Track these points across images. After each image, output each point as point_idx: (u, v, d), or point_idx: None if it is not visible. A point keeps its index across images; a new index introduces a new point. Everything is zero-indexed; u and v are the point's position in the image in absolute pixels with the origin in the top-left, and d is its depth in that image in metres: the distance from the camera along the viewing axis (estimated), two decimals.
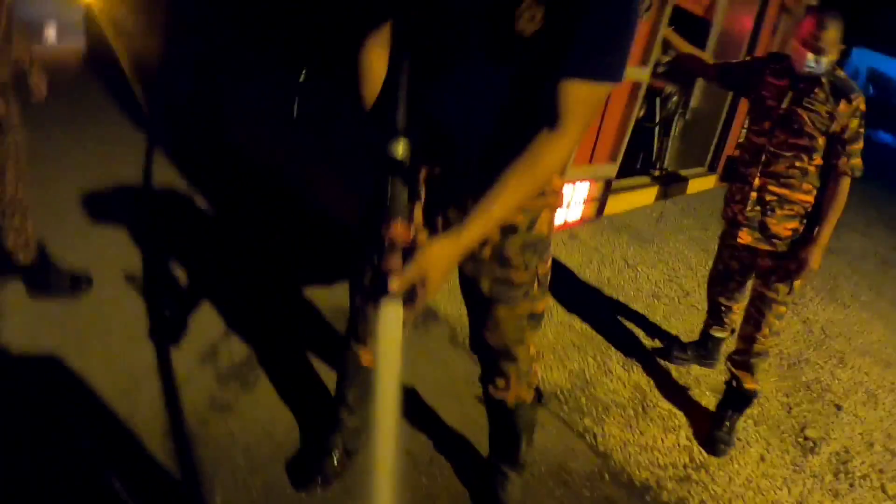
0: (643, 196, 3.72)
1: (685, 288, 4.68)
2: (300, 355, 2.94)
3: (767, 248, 2.96)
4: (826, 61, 2.70)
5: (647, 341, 3.82)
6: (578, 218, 3.16)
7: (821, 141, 2.78)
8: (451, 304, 3.44)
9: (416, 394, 2.83)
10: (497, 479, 2.30)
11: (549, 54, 1.40)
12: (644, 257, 5.10)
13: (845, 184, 2.77)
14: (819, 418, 3.45)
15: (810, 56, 2.70)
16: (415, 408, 2.76)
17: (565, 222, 3.07)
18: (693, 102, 4.32)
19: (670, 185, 3.91)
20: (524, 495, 2.37)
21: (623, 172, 3.47)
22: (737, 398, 3.10)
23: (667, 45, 3.39)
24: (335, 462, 2.27)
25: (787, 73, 2.85)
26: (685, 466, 2.86)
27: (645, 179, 3.80)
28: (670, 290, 4.61)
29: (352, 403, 2.23)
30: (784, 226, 2.90)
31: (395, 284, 1.31)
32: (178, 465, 2.25)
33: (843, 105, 2.70)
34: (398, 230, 1.36)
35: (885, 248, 7.39)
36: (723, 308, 3.42)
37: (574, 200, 3.05)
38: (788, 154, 2.85)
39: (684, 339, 3.84)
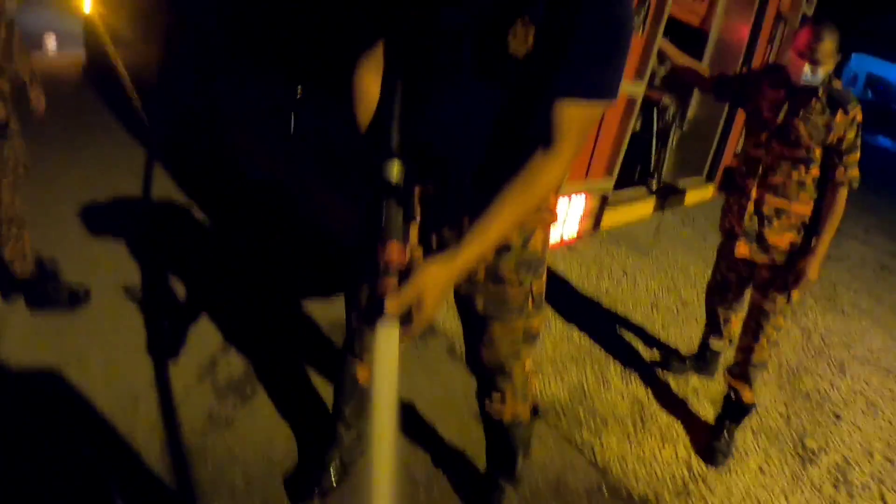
0: (641, 209, 3.72)
1: (684, 298, 4.68)
2: (298, 369, 2.95)
3: (765, 260, 2.96)
4: (822, 72, 2.70)
5: (646, 353, 3.82)
6: (575, 234, 3.15)
7: (818, 152, 2.78)
8: (449, 317, 3.44)
9: (414, 408, 2.83)
10: (495, 494, 2.31)
11: (541, 74, 1.40)
12: (643, 268, 5.09)
13: (843, 195, 2.77)
14: (818, 428, 3.45)
15: (807, 68, 2.70)
16: (413, 422, 2.76)
17: (562, 239, 3.07)
18: (690, 113, 4.33)
19: (668, 196, 3.91)
20: None
21: (620, 183, 3.47)
22: (735, 410, 3.10)
23: (663, 57, 3.40)
24: (333, 476, 2.28)
25: (783, 84, 2.85)
26: (683, 479, 2.85)
27: (642, 191, 3.80)
28: (669, 301, 4.61)
29: (349, 418, 2.24)
30: (782, 237, 2.91)
31: (391, 307, 1.32)
32: (176, 480, 2.26)
33: (839, 116, 2.70)
34: (393, 252, 1.36)
35: (885, 254, 7.37)
36: (721, 319, 3.43)
37: (570, 215, 3.06)
38: (785, 166, 2.86)
39: (683, 349, 3.85)
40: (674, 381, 3.54)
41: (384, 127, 1.48)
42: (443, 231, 1.72)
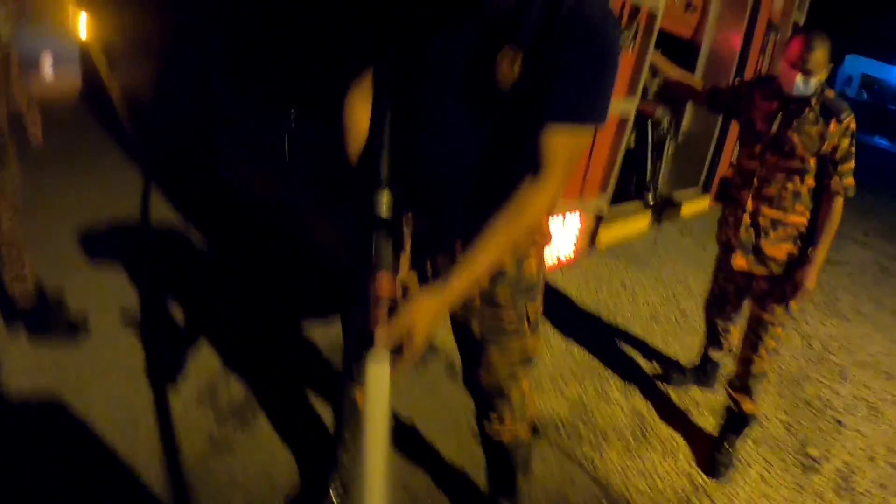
0: (637, 224, 3.72)
1: (683, 309, 4.68)
2: (298, 393, 2.96)
3: (763, 271, 2.97)
4: (815, 82, 2.70)
5: (646, 365, 3.82)
6: (571, 254, 3.15)
7: (812, 162, 2.78)
8: (448, 336, 3.43)
9: (415, 427, 2.84)
10: None
11: (529, 100, 1.41)
12: (642, 280, 5.10)
13: (838, 204, 2.77)
14: (820, 435, 3.45)
15: (799, 78, 2.70)
16: (413, 442, 2.77)
17: (558, 260, 3.07)
18: (685, 124, 4.34)
19: (665, 209, 3.92)
20: None
21: (617, 198, 3.48)
22: (736, 421, 3.10)
23: (655, 70, 3.41)
24: (334, 500, 2.29)
25: (776, 95, 2.86)
26: (685, 491, 2.86)
27: (638, 206, 3.81)
28: (668, 312, 4.62)
29: (349, 442, 2.25)
30: (778, 248, 2.91)
31: (381, 340, 1.33)
32: None
33: (833, 125, 2.69)
34: (383, 284, 1.37)
35: (885, 257, 7.37)
36: (720, 330, 3.43)
37: (566, 235, 3.06)
38: (780, 177, 2.86)
39: (683, 361, 3.86)
40: (674, 394, 3.55)
41: (373, 158, 1.50)
42: (437, 257, 1.73)
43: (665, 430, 3.23)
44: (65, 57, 8.65)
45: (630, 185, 3.96)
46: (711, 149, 4.31)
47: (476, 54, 1.44)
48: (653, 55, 3.19)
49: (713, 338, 3.48)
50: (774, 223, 2.90)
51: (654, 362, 3.87)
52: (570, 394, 3.35)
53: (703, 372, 3.60)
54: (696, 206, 4.25)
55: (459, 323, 1.86)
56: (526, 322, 1.82)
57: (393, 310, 1.37)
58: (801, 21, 4.61)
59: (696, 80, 3.52)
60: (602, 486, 2.77)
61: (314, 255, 3.87)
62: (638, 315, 4.48)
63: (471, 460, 2.62)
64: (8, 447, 2.39)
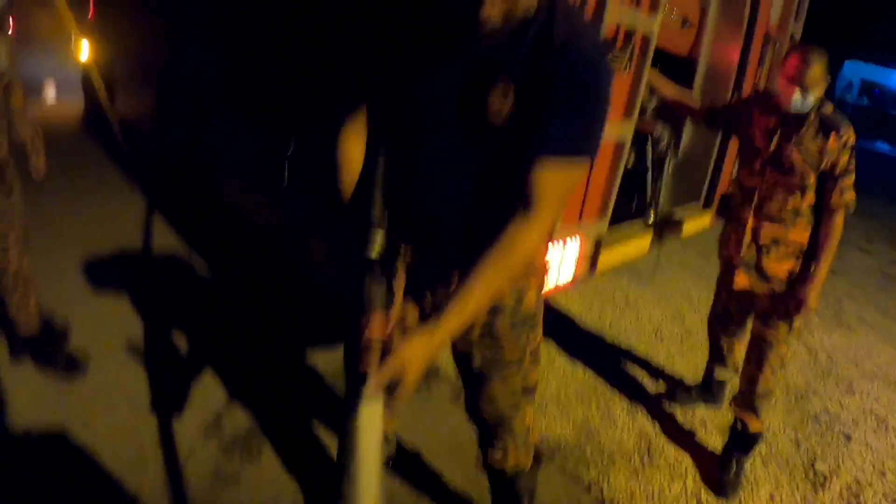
0: (637, 244, 3.70)
1: (688, 326, 4.67)
2: (303, 422, 2.96)
3: (765, 289, 2.96)
4: (813, 98, 2.70)
5: (651, 385, 3.81)
6: (570, 279, 3.15)
7: (812, 179, 2.77)
8: (452, 361, 3.44)
9: (420, 455, 2.83)
10: None
11: (522, 135, 1.41)
12: (645, 296, 5.08)
13: (839, 219, 2.75)
14: (829, 451, 3.43)
15: (797, 94, 2.69)
16: (418, 469, 2.77)
17: (556, 286, 3.07)
18: (684, 140, 4.33)
19: (666, 228, 3.90)
20: None
21: (617, 217, 3.48)
22: (743, 440, 3.08)
23: (653, 89, 3.42)
24: None
25: (774, 111, 2.85)
26: None
27: (639, 226, 3.80)
28: (673, 329, 4.60)
29: (345, 481, 2.23)
30: (780, 266, 2.90)
31: (373, 383, 1.33)
32: None
33: (832, 140, 2.68)
34: (375, 327, 1.38)
35: (888, 263, 7.37)
36: (724, 348, 3.41)
37: (565, 260, 3.06)
38: (780, 194, 2.86)
39: (689, 378, 3.85)
40: (680, 413, 3.53)
41: (367, 197, 1.50)
42: (435, 290, 1.73)
43: (672, 451, 3.21)
44: (67, 82, 8.74)
45: (631, 204, 3.96)
46: (712, 165, 4.32)
47: (468, 89, 1.44)
48: (650, 74, 3.19)
49: (718, 356, 3.47)
50: (776, 240, 2.90)
51: (660, 381, 3.86)
52: (576, 416, 3.34)
53: (709, 390, 3.58)
54: (697, 223, 4.24)
55: (460, 354, 1.86)
56: (526, 353, 1.83)
57: (386, 351, 1.38)
58: (799, 32, 4.63)
59: (694, 97, 3.52)
60: None
61: (315, 280, 3.86)
62: (642, 333, 4.47)
63: (477, 488, 2.60)
64: (14, 481, 2.39)
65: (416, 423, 2.97)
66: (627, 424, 3.36)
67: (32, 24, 10.52)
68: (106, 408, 2.83)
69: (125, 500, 2.38)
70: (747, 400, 3.06)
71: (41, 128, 2.95)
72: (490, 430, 2.00)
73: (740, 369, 3.22)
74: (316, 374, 3.34)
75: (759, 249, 2.94)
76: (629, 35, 2.92)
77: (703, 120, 3.35)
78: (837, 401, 3.96)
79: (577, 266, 3.16)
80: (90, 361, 3.08)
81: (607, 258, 3.35)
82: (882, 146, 22.08)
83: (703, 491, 2.98)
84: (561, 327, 4.29)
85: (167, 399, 2.95)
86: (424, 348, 1.40)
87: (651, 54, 3.07)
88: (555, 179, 1.41)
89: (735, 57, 4.21)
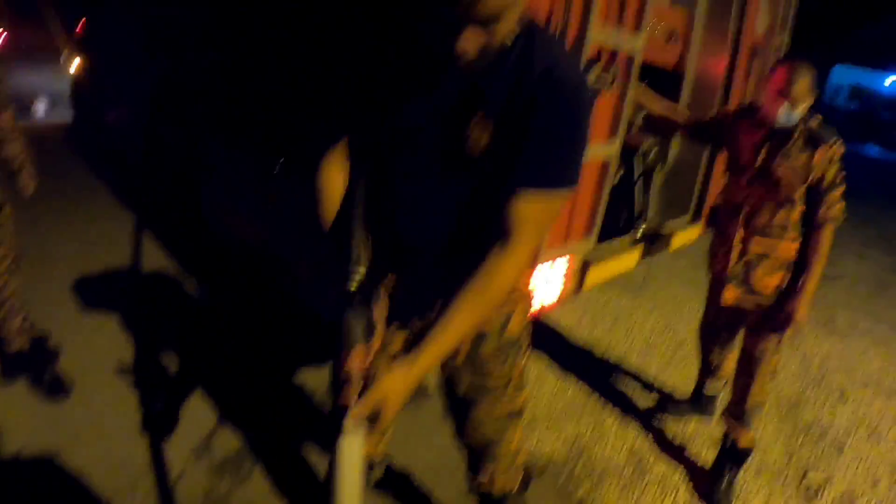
0: (625, 261, 3.70)
1: (679, 337, 4.66)
2: (293, 442, 2.95)
3: (754, 303, 2.96)
4: (800, 111, 2.70)
5: (643, 399, 3.80)
6: (556, 299, 3.15)
7: (800, 192, 2.77)
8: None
9: (409, 475, 2.83)
10: None
11: (499, 170, 1.42)
12: (636, 308, 5.08)
13: (827, 232, 2.75)
14: (821, 460, 3.43)
15: (783, 108, 2.69)
16: (407, 489, 2.76)
17: (542, 306, 3.06)
18: (672, 153, 4.33)
19: (654, 242, 3.90)
20: None
21: (605, 233, 3.48)
22: (734, 453, 3.08)
23: (640, 104, 3.42)
24: None
25: (760, 125, 2.85)
26: None
27: (626, 243, 3.80)
28: (664, 341, 4.60)
29: None
30: (768, 279, 2.90)
31: (353, 417, 1.33)
32: None
33: (819, 154, 2.68)
34: (355, 361, 1.38)
35: (882, 269, 7.37)
36: (714, 361, 3.41)
37: (550, 280, 3.05)
38: (768, 208, 2.85)
39: (680, 391, 3.84)
40: (672, 427, 3.52)
41: (348, 229, 1.50)
42: (419, 317, 1.73)
43: (663, 466, 3.21)
44: (57, 98, 8.75)
45: (619, 218, 3.96)
46: (700, 178, 4.32)
47: (447, 120, 1.45)
48: (636, 89, 3.20)
49: (708, 369, 3.47)
50: (764, 254, 2.89)
51: (651, 394, 3.85)
52: (567, 432, 3.34)
53: (700, 403, 3.58)
54: (686, 236, 4.24)
55: (445, 379, 1.86)
56: (512, 378, 1.83)
57: (366, 383, 1.38)
58: (786, 43, 4.64)
59: (681, 111, 3.52)
60: None
61: (301, 300, 3.86)
62: (633, 346, 4.46)
63: None
64: None
65: (405, 442, 2.96)
66: (618, 439, 3.36)
67: (22, 40, 10.52)
68: (96, 429, 2.83)
69: None
70: (738, 413, 3.06)
71: (31, 144, 2.95)
72: (477, 454, 1.99)
73: (730, 382, 3.22)
74: (305, 394, 3.33)
75: (747, 263, 2.94)
76: (613, 54, 2.93)
77: (689, 134, 3.36)
78: (830, 410, 3.96)
79: (564, 285, 3.15)
80: (80, 383, 3.08)
81: (595, 275, 3.34)
82: (872, 150, 22.14)
83: None
84: (551, 341, 4.28)
85: (157, 420, 2.95)
86: (404, 381, 1.40)
87: (636, 72, 3.07)
88: (534, 211, 1.42)
89: (722, 69, 4.22)
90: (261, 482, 2.70)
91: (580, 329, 4.60)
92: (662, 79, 3.90)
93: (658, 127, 3.60)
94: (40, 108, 9.02)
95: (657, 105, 3.40)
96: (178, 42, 4.78)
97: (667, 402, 3.68)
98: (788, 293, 2.85)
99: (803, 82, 2.66)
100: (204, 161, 4.49)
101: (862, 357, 4.82)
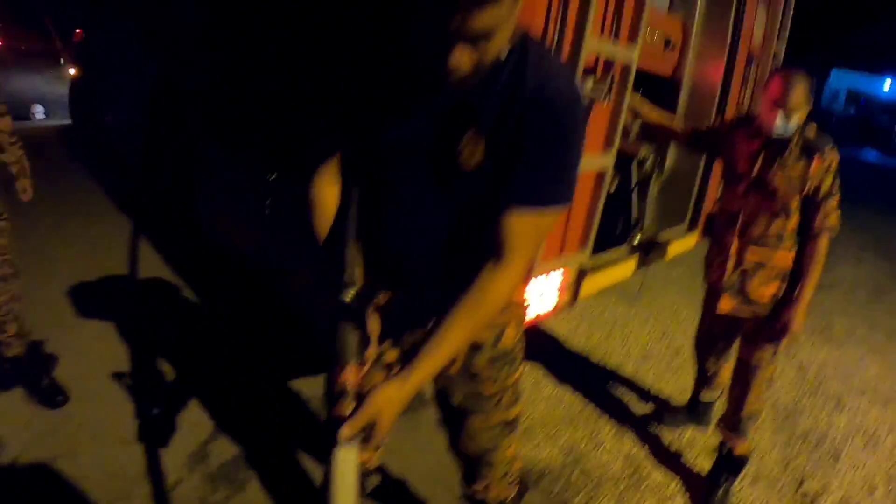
0: (621, 270, 3.69)
1: (676, 345, 4.66)
2: (289, 451, 2.94)
3: (749, 313, 2.96)
4: (796, 121, 2.70)
5: (639, 407, 3.80)
6: (551, 309, 3.14)
7: (796, 202, 2.77)
8: None
9: (405, 482, 2.83)
10: None
11: (492, 185, 1.42)
12: (633, 316, 5.08)
13: (823, 243, 2.76)
14: (818, 469, 3.43)
15: (779, 118, 2.69)
16: (403, 497, 2.76)
17: (537, 316, 3.06)
18: (669, 161, 4.34)
19: (650, 251, 3.90)
20: None
21: (602, 238, 3.47)
22: (730, 462, 3.08)
23: (637, 112, 3.42)
24: None
25: (756, 135, 2.85)
26: None
27: (621, 252, 3.80)
28: (661, 349, 4.60)
29: None
30: (764, 290, 2.90)
31: (347, 431, 1.33)
32: None
33: (815, 164, 2.69)
34: (349, 375, 1.38)
35: (879, 274, 7.40)
36: (711, 370, 3.41)
37: (546, 291, 3.05)
38: (764, 217, 2.85)
39: (676, 399, 3.84)
40: (668, 435, 3.52)
41: (341, 244, 1.50)
42: (413, 330, 1.73)
43: (660, 475, 3.20)
44: (55, 102, 8.75)
45: (615, 226, 3.95)
46: (697, 186, 4.32)
47: (439, 136, 1.44)
48: (632, 98, 3.20)
49: (704, 378, 3.47)
50: (759, 265, 2.89)
51: (647, 403, 3.85)
52: (563, 442, 3.33)
53: (696, 411, 3.58)
54: (682, 244, 4.24)
55: (440, 390, 1.86)
56: (506, 389, 1.82)
57: (360, 397, 1.38)
58: (782, 51, 4.65)
59: (677, 120, 3.53)
60: None
61: (296, 307, 3.86)
62: (629, 354, 4.46)
63: None
64: None
65: (402, 450, 2.94)
66: (614, 448, 3.35)
67: (20, 44, 10.51)
68: (92, 437, 2.83)
69: None
70: (733, 422, 3.06)
71: (29, 149, 2.95)
72: (471, 465, 1.99)
73: (727, 391, 3.22)
74: (301, 401, 3.32)
75: (743, 273, 2.94)
76: (609, 64, 2.93)
77: (686, 143, 3.36)
78: (826, 418, 3.96)
79: (559, 296, 3.15)
80: (77, 390, 3.08)
81: (591, 285, 3.33)
82: (870, 154, 22.21)
83: None
84: (547, 350, 4.28)
85: (154, 428, 2.95)
86: (397, 396, 1.40)
87: (631, 82, 3.07)
88: (528, 228, 1.42)
89: (719, 77, 4.22)
90: (256, 490, 2.69)
91: (577, 337, 4.59)
92: (659, 87, 3.91)
93: (654, 135, 3.60)
94: (38, 111, 9.02)
95: (653, 114, 3.40)
96: (177, 45, 4.79)
97: (663, 410, 3.68)
98: (784, 303, 2.85)
99: (799, 92, 2.66)
100: (201, 164, 4.50)
101: (859, 364, 4.83)
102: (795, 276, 2.85)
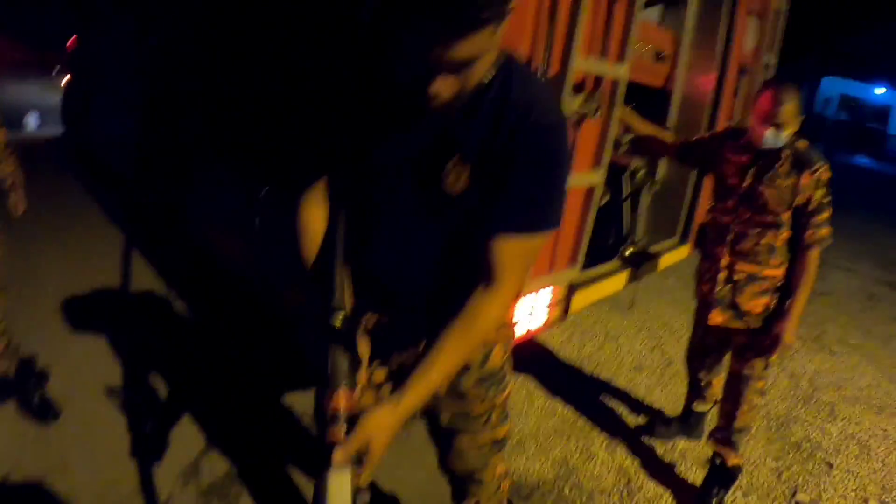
0: (613, 283, 3.70)
1: (668, 356, 4.66)
2: (280, 467, 2.94)
3: (741, 326, 2.96)
4: (785, 135, 2.70)
5: (631, 419, 3.79)
6: (541, 325, 3.14)
7: (786, 216, 2.78)
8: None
9: (397, 499, 2.83)
10: None
11: (478, 210, 1.42)
12: (626, 327, 5.08)
13: (813, 256, 2.76)
14: (811, 479, 3.43)
15: (769, 132, 2.70)
16: None
17: (528, 331, 3.05)
18: (660, 173, 4.35)
19: (642, 264, 3.90)
20: None
21: (594, 250, 3.48)
22: (722, 474, 3.09)
23: (627, 127, 3.43)
24: None
25: (747, 149, 2.86)
26: None
27: (613, 266, 3.80)
28: (653, 360, 4.59)
29: None
30: (755, 302, 2.91)
31: (339, 456, 1.33)
32: None
33: (805, 177, 2.69)
34: (340, 400, 1.38)
35: (871, 282, 7.40)
36: (703, 382, 3.41)
37: (535, 309, 3.05)
38: (754, 231, 2.86)
39: (669, 409, 3.84)
40: (660, 447, 3.51)
41: (329, 273, 1.50)
42: (402, 356, 1.73)
43: (652, 488, 3.20)
44: (48, 112, 8.75)
45: (607, 240, 3.96)
46: (688, 197, 4.32)
47: (424, 162, 1.44)
48: (622, 112, 3.20)
49: (696, 389, 3.47)
50: (750, 278, 2.90)
51: (639, 415, 3.84)
52: (555, 454, 3.33)
53: (688, 423, 3.57)
54: (674, 256, 4.24)
55: (428, 410, 1.86)
56: (494, 408, 1.83)
57: (352, 420, 1.38)
58: (774, 62, 4.67)
59: (668, 133, 3.54)
60: None
61: (289, 328, 3.86)
62: (622, 365, 4.46)
63: None
64: None
65: (393, 465, 2.94)
66: (607, 460, 3.35)
67: (12, 54, 10.53)
68: (84, 453, 2.82)
69: None
70: (725, 435, 3.07)
71: (21, 160, 2.95)
72: (460, 483, 2.00)
73: (718, 403, 3.23)
74: (293, 417, 3.32)
75: (734, 287, 2.94)
76: (598, 79, 2.94)
77: (676, 156, 3.36)
78: (819, 427, 3.96)
79: (549, 312, 3.15)
80: (68, 406, 3.07)
81: (582, 298, 3.34)
82: (862, 160, 22.30)
83: None
84: (539, 362, 4.27)
85: (145, 444, 2.94)
86: (390, 420, 1.40)
87: (620, 100, 3.07)
88: (517, 252, 1.43)
89: (710, 88, 4.24)
90: None
91: (569, 348, 4.59)
92: (651, 98, 3.92)
93: (645, 148, 3.61)
94: (31, 121, 9.02)
95: (644, 128, 3.41)
96: (170, 58, 4.80)
97: (655, 422, 3.67)
98: (776, 316, 2.86)
99: (789, 106, 2.67)
100: (194, 177, 4.50)
101: (852, 373, 4.83)
102: (787, 289, 2.85)
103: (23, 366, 3.05)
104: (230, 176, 4.01)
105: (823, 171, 2.71)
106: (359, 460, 1.38)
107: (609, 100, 3.01)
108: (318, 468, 1.35)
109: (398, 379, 1.52)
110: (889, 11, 25.18)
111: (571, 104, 2.78)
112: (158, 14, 5.02)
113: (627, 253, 3.87)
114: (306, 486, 2.82)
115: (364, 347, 1.70)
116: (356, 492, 1.40)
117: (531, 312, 3.00)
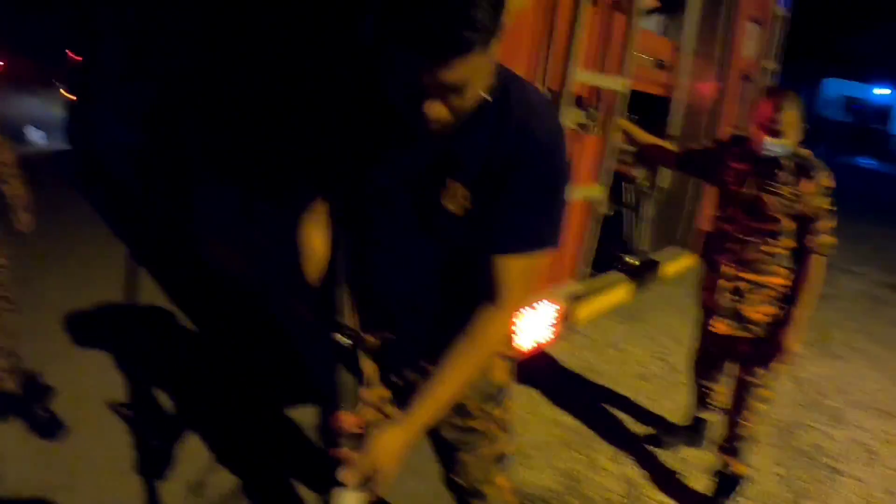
0: (618, 294, 3.70)
1: (672, 364, 4.65)
2: (287, 482, 2.94)
3: (744, 334, 2.95)
4: (786, 143, 2.70)
5: (636, 428, 3.78)
6: (547, 340, 3.14)
7: (787, 223, 2.77)
8: None
9: None
10: None
11: (480, 230, 1.42)
12: (630, 335, 5.07)
13: (818, 264, 2.75)
14: (816, 486, 3.41)
15: (769, 140, 2.70)
16: None
17: (533, 347, 3.05)
18: (663, 182, 4.35)
19: (646, 273, 3.90)
20: None
21: (598, 260, 3.48)
22: (727, 483, 3.09)
23: (629, 137, 3.43)
24: None
25: (747, 157, 2.86)
26: None
27: (617, 277, 3.80)
28: (658, 369, 4.59)
29: None
30: (759, 311, 2.90)
31: (347, 477, 1.34)
32: None
33: (806, 185, 2.69)
34: (346, 420, 1.38)
35: (876, 285, 7.38)
36: (707, 391, 3.41)
37: (540, 323, 3.05)
38: (756, 239, 2.85)
39: (674, 419, 3.83)
40: (665, 456, 3.50)
41: (332, 292, 1.51)
42: (405, 373, 1.74)
43: (659, 495, 3.19)
44: (52, 126, 8.78)
45: (611, 250, 3.96)
46: (692, 206, 4.33)
47: (423, 183, 1.45)
48: (623, 122, 3.21)
49: (701, 398, 3.46)
50: (754, 286, 2.89)
51: (645, 424, 3.83)
52: (560, 465, 3.32)
53: (693, 431, 3.57)
54: (678, 264, 4.24)
55: (431, 428, 1.86)
56: (496, 425, 1.83)
57: (359, 443, 1.38)
58: (777, 69, 4.67)
59: (669, 143, 3.54)
60: None
61: (294, 343, 3.86)
62: (626, 374, 4.45)
63: None
64: None
65: (399, 476, 2.92)
66: (612, 471, 3.34)
67: (16, 69, 10.57)
68: (89, 468, 2.84)
69: None
70: (730, 444, 3.07)
71: (26, 174, 2.97)
72: (465, 497, 1.99)
73: (724, 410, 3.22)
74: (299, 432, 3.31)
75: (737, 296, 2.94)
76: (598, 92, 2.94)
77: (677, 165, 3.35)
78: (825, 433, 3.94)
79: (554, 328, 3.15)
80: (74, 421, 3.08)
81: (586, 312, 3.34)
82: (865, 161, 22.26)
83: None
84: (544, 372, 4.26)
85: (151, 460, 2.94)
86: (399, 441, 1.41)
87: (621, 112, 3.08)
88: (520, 270, 1.43)
89: (712, 96, 4.24)
90: None
91: (573, 358, 4.58)
92: (654, 105, 3.92)
93: (647, 158, 3.61)
94: (34, 135, 9.06)
95: (645, 138, 3.40)
96: (170, 73, 4.81)
97: (660, 430, 3.67)
98: (780, 324, 2.85)
99: (790, 114, 2.68)
100: (197, 190, 4.51)
101: (857, 377, 4.81)
102: (791, 298, 2.84)
103: (28, 381, 3.07)
104: (231, 191, 4.03)
105: (825, 179, 2.70)
106: (368, 480, 1.38)
107: (610, 112, 3.02)
108: (328, 489, 1.35)
109: (402, 397, 1.52)
110: (890, 12, 25.20)
111: (571, 118, 2.79)
112: (160, 40, 5.05)
113: (631, 262, 3.87)
114: (312, 501, 2.81)
115: (368, 367, 1.70)
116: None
117: (536, 328, 3.00)
